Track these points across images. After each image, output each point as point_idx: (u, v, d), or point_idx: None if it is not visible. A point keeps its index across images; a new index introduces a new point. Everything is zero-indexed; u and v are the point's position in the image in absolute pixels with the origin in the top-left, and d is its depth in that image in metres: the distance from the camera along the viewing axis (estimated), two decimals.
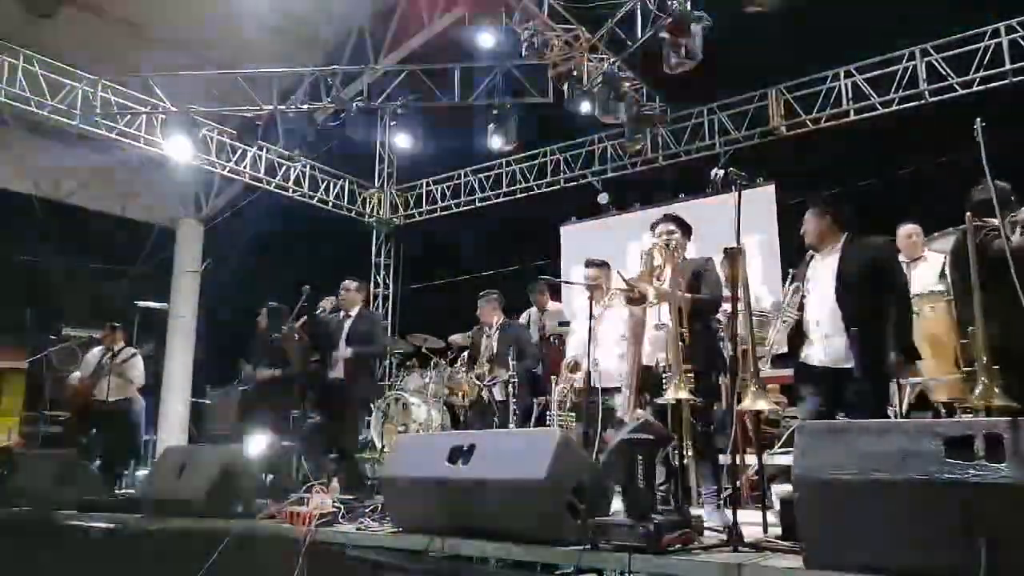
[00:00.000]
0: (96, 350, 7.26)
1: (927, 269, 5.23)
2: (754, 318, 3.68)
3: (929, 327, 4.46)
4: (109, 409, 6.83)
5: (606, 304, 4.70)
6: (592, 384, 4.45)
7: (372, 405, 7.25)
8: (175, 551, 3.95)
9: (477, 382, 5.95)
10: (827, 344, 3.60)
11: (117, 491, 5.70)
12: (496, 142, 8.88)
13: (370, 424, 8.20)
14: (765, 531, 3.01)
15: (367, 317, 5.91)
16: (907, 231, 5.35)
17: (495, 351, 6.01)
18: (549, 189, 11.27)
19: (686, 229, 4.07)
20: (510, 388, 6.10)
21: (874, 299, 3.53)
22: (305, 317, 5.93)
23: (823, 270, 3.72)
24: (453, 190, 12.29)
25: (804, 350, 3.71)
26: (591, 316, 4.46)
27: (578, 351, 5.37)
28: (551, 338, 6.50)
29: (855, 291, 3.54)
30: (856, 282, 3.55)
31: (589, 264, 4.94)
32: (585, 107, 8.52)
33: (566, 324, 6.19)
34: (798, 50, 8.56)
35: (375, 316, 6.01)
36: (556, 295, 7.43)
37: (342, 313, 5.85)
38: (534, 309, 6.81)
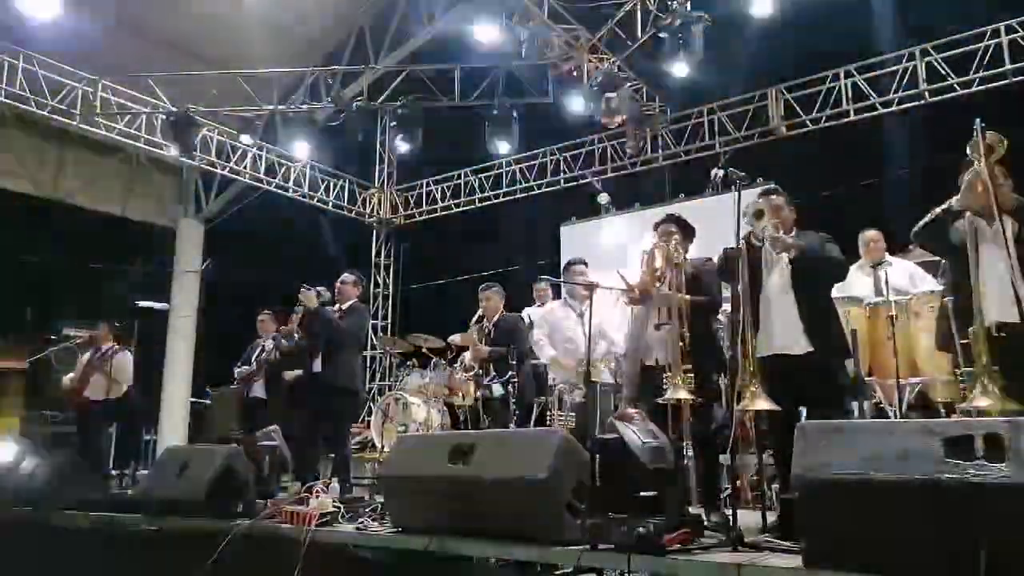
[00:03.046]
0: (91, 350, 7.28)
1: (892, 272, 5.23)
2: None
3: (928, 327, 4.45)
4: (106, 409, 6.83)
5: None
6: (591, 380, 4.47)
7: (368, 400, 7.22)
8: (175, 551, 3.95)
9: (473, 378, 5.92)
10: (783, 330, 3.52)
11: (117, 491, 5.70)
12: (496, 142, 8.88)
13: (370, 424, 8.20)
14: (765, 531, 3.01)
15: (354, 311, 5.91)
16: (870, 236, 5.44)
17: (492, 342, 6.00)
18: (549, 189, 11.28)
19: (688, 230, 4.07)
20: (510, 387, 6.10)
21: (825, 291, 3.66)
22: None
23: (776, 256, 3.62)
24: (453, 190, 12.30)
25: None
26: (590, 316, 4.47)
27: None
28: None
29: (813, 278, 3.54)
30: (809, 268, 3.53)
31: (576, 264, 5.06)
32: (585, 107, 8.53)
33: None
34: (798, 50, 8.57)
35: (361, 309, 6.01)
36: (556, 295, 7.42)
37: (336, 306, 5.86)
38: (536, 305, 6.79)
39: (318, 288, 5.78)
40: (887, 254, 5.45)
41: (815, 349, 3.41)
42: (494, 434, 4.57)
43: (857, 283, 5.16)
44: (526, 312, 6.79)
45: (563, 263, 10.20)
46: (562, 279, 5.96)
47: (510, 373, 5.93)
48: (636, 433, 2.89)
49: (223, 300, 11.05)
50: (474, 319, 6.04)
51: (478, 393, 5.84)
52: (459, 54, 9.27)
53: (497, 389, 5.76)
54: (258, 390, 6.98)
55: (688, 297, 3.75)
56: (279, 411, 6.23)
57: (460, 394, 6.34)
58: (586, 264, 5.75)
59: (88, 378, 6.93)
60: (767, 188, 3.75)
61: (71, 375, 7.20)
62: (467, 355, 6.52)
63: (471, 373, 5.96)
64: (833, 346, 3.52)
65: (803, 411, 3.55)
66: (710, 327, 4.11)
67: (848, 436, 2.35)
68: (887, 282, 4.85)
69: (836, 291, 4.00)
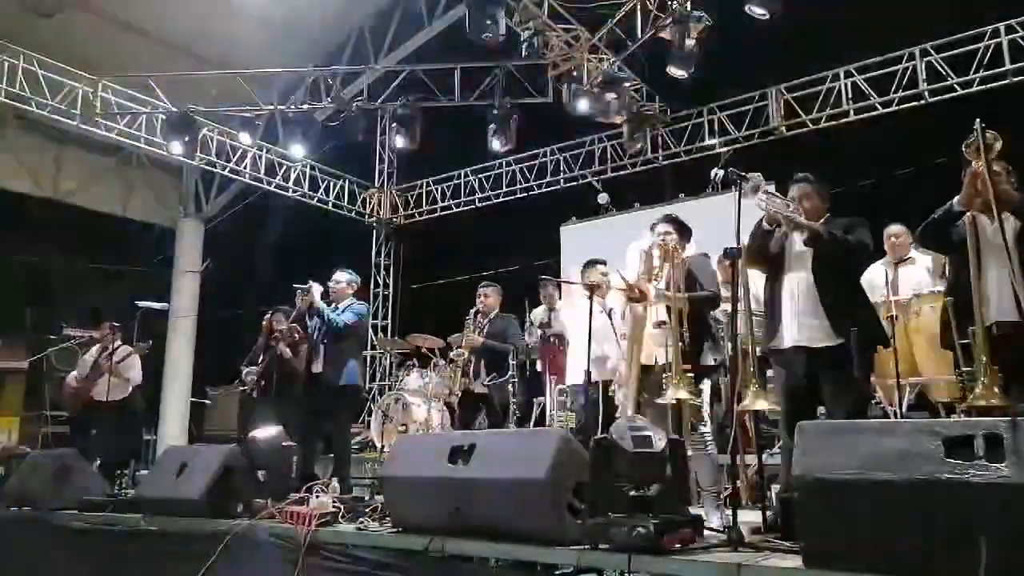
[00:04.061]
0: (93, 350, 7.24)
1: (916, 270, 5.24)
2: (754, 318, 3.68)
3: (929, 327, 4.46)
4: (108, 409, 6.81)
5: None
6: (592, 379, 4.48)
7: (365, 397, 7.15)
8: (175, 551, 3.95)
9: (461, 367, 5.91)
10: (807, 322, 3.42)
11: (117, 491, 5.69)
12: (496, 142, 8.88)
13: (370, 424, 8.20)
14: (765, 531, 3.01)
15: (350, 310, 5.91)
16: (892, 232, 5.36)
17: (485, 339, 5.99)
18: (549, 189, 11.28)
19: (684, 230, 4.07)
20: (510, 387, 6.10)
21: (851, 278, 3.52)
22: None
23: (800, 245, 3.53)
24: (453, 190, 12.29)
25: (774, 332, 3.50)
26: (590, 316, 4.46)
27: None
28: (551, 338, 6.48)
29: (836, 266, 3.44)
30: (828, 253, 3.43)
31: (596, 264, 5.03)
32: (585, 107, 8.53)
33: None
34: (798, 50, 8.57)
35: (360, 308, 6.01)
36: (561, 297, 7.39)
37: (332, 306, 5.86)
38: (542, 308, 6.79)
39: (312, 284, 5.77)
40: (912, 249, 5.36)
41: (842, 341, 3.28)
42: (494, 434, 4.57)
43: (879, 280, 5.16)
44: (535, 313, 6.79)
45: (562, 262, 10.30)
46: (562, 279, 5.96)
47: (509, 373, 5.93)
48: (624, 427, 2.89)
49: (223, 300, 11.07)
50: (472, 313, 6.03)
51: (463, 384, 5.82)
52: (459, 54, 9.27)
53: (481, 386, 5.74)
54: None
55: (686, 295, 3.75)
56: (281, 410, 6.22)
57: (448, 390, 6.34)
58: (605, 263, 5.68)
59: (97, 379, 6.90)
60: (799, 176, 3.66)
61: (74, 374, 7.18)
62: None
63: (460, 361, 5.94)
64: (859, 341, 3.33)
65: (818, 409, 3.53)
66: (709, 326, 4.11)
67: (848, 436, 2.35)
68: (888, 282, 4.86)
69: None
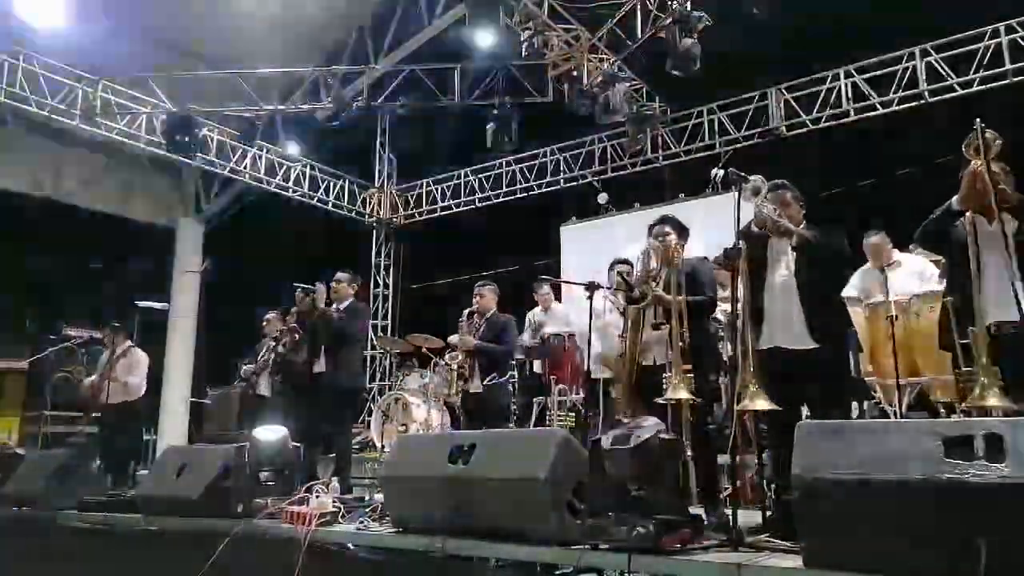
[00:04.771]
0: (107, 352, 7.25)
1: (903, 272, 5.22)
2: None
3: (928, 327, 4.46)
4: (109, 410, 6.80)
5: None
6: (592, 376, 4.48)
7: (366, 397, 7.16)
8: (175, 551, 3.95)
9: (457, 368, 5.88)
10: (785, 324, 3.45)
11: (116, 491, 5.69)
12: (496, 142, 8.88)
13: (370, 424, 8.21)
14: (765, 531, 3.01)
15: (353, 310, 5.89)
16: (872, 243, 5.33)
17: (480, 339, 5.97)
18: (549, 189, 11.28)
19: (682, 231, 4.06)
20: (510, 388, 6.09)
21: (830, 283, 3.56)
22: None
23: (781, 249, 3.56)
24: (453, 190, 12.30)
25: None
26: (590, 316, 4.46)
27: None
28: (550, 338, 6.49)
29: (817, 271, 3.46)
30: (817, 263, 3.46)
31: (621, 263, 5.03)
32: (585, 107, 8.53)
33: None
34: (798, 50, 8.57)
35: (360, 308, 5.98)
36: (556, 298, 7.41)
37: (334, 306, 5.84)
38: (538, 309, 6.80)
39: (319, 286, 5.77)
40: (896, 252, 5.39)
41: (818, 345, 3.33)
42: (494, 434, 4.56)
43: (876, 285, 5.14)
44: (531, 314, 6.79)
45: (562, 262, 10.29)
46: (562, 279, 5.94)
47: (509, 374, 5.91)
48: (612, 430, 2.90)
49: (223, 300, 11.06)
50: (465, 313, 6.00)
51: (459, 386, 5.81)
52: (459, 54, 9.27)
53: (480, 387, 5.72)
54: (263, 389, 6.97)
55: (685, 298, 3.75)
56: (284, 410, 6.22)
57: (448, 391, 6.32)
58: (631, 263, 5.65)
59: (105, 382, 6.88)
60: (776, 183, 3.69)
61: (93, 377, 7.17)
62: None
63: (454, 364, 5.92)
64: (836, 343, 3.42)
65: (804, 410, 3.53)
66: (708, 326, 4.11)
67: (848, 436, 2.36)
68: (885, 284, 4.86)
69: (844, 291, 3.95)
